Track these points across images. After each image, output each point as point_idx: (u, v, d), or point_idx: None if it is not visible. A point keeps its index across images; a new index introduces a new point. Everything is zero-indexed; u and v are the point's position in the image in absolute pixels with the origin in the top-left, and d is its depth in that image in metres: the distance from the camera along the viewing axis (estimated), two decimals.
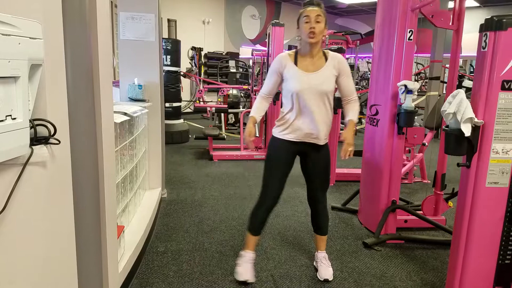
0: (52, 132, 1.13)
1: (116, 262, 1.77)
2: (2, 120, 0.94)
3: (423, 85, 9.34)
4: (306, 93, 1.94)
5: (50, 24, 1.15)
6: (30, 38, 1.02)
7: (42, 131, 1.11)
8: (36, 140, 1.09)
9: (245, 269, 2.08)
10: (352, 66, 8.67)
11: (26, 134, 1.03)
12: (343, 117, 7.64)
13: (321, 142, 2.02)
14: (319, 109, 1.96)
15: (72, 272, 1.34)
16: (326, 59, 1.99)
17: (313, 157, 2.05)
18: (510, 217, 1.74)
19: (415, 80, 9.92)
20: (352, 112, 2.04)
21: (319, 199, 2.12)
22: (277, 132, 2.05)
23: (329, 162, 2.12)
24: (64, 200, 1.27)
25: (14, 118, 0.98)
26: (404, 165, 3.77)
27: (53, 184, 1.19)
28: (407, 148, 4.23)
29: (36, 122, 1.09)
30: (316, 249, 2.27)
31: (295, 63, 1.97)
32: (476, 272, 1.78)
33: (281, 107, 2.09)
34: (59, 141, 1.15)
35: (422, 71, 9.50)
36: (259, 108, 2.08)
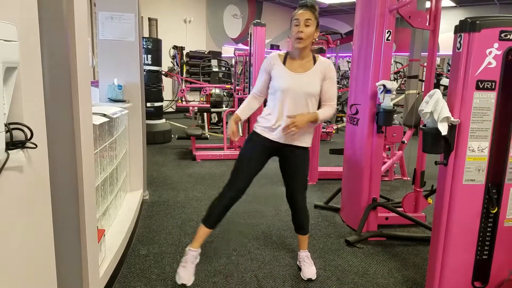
0: (29, 136, 1.10)
1: (97, 267, 1.74)
2: None
3: (402, 84, 9.55)
4: (291, 92, 1.95)
5: (26, 25, 1.11)
6: (4, 40, 0.98)
7: (18, 135, 1.08)
8: (12, 144, 1.06)
9: (187, 272, 2.03)
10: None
11: (1, 138, 1.00)
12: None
13: (301, 143, 2.03)
14: (302, 110, 1.97)
15: (51, 279, 1.30)
16: (314, 62, 2.00)
17: (292, 158, 2.05)
18: (486, 213, 1.80)
19: (394, 79, 10.14)
20: (322, 109, 2.02)
21: (298, 199, 2.12)
22: (258, 128, 2.06)
23: (308, 163, 2.13)
24: (42, 205, 1.23)
25: None
26: (384, 162, 3.85)
27: (30, 189, 1.16)
28: (387, 146, 4.33)
29: (11, 126, 1.06)
30: (299, 249, 2.29)
31: (284, 63, 2.00)
32: (455, 267, 1.83)
33: (265, 105, 2.10)
34: (36, 145, 1.12)
35: (401, 69, 9.72)
36: (246, 106, 2.10)
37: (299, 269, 2.23)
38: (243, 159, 2.06)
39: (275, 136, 2.01)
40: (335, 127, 6.97)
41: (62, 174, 1.33)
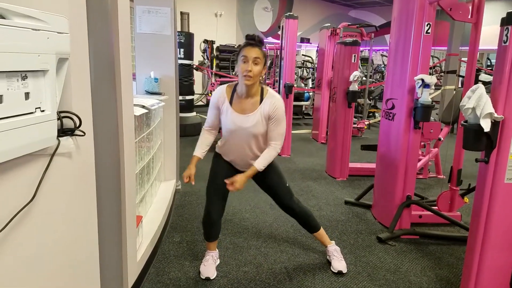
0: (78, 124, 1.16)
1: (135, 251, 1.82)
2: (32, 113, 0.98)
3: (438, 79, 9.18)
4: (237, 133, 1.94)
5: (75, 18, 1.17)
6: (57, 32, 1.04)
7: (67, 123, 1.14)
8: (62, 131, 1.13)
9: (209, 267, 2.10)
10: (366, 59, 8.58)
11: (54, 126, 1.06)
12: (356, 111, 7.54)
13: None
14: (252, 145, 1.97)
15: (94, 259, 1.38)
16: (261, 99, 1.91)
17: (260, 176, 2.02)
18: None
19: (430, 74, 9.75)
20: (261, 159, 1.94)
21: (291, 206, 2.12)
22: (219, 150, 2.10)
23: (278, 170, 2.11)
24: (88, 190, 1.31)
25: (43, 111, 1.02)
26: (419, 160, 3.74)
27: (77, 175, 1.23)
28: (422, 143, 4.19)
29: (62, 114, 1.12)
30: (324, 245, 2.29)
31: (230, 102, 1.93)
32: (492, 269, 1.77)
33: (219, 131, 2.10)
34: (84, 133, 1.18)
35: (438, 64, 9.33)
36: (203, 143, 2.08)
37: (329, 263, 2.23)
38: (213, 180, 2.10)
39: (235, 165, 2.07)
40: (366, 123, 6.82)
41: (106, 161, 1.40)
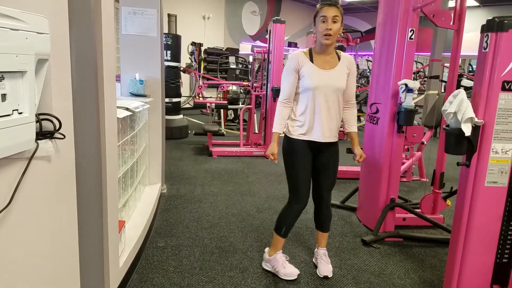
0: (57, 126, 1.13)
1: (117, 257, 1.78)
2: (9, 115, 0.95)
3: (422, 84, 9.36)
4: (323, 90, 1.95)
5: (56, 18, 1.15)
6: (37, 33, 1.02)
7: (47, 126, 1.11)
8: (41, 134, 1.10)
9: (289, 267, 2.14)
10: None
11: (32, 128, 1.04)
12: None
13: (334, 139, 2.05)
14: (333, 106, 1.99)
15: (74, 266, 1.35)
16: (339, 58, 2.01)
17: (325, 156, 2.05)
18: (508, 216, 1.76)
19: (414, 79, 9.92)
20: (354, 122, 2.13)
21: (324, 196, 2.13)
22: (294, 133, 2.02)
23: (338, 159, 2.13)
24: (68, 194, 1.28)
25: (21, 113, 0.99)
26: (403, 163, 3.79)
27: (57, 179, 1.20)
28: (406, 147, 4.26)
29: (41, 117, 1.09)
30: (317, 246, 2.29)
31: (311, 60, 1.98)
32: (474, 270, 1.80)
33: (295, 106, 2.04)
34: (64, 136, 1.15)
35: (421, 69, 9.52)
36: (283, 118, 2.02)
37: (315, 266, 2.23)
38: (298, 169, 2.03)
39: (313, 136, 2.00)
40: None
41: (87, 165, 1.37)
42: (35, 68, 1.03)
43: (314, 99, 1.96)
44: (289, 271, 2.11)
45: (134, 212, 2.55)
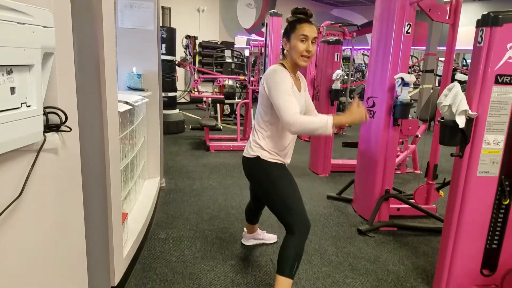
0: (63, 119, 1.16)
1: (121, 247, 1.82)
2: (18, 108, 0.97)
3: (416, 78, 9.43)
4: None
5: (59, 13, 1.17)
6: (43, 26, 1.04)
7: (53, 119, 1.14)
8: (48, 127, 1.12)
9: None
10: (348, 58, 8.72)
11: (40, 121, 1.06)
12: (338, 109, 7.58)
13: None
14: None
15: (81, 255, 1.38)
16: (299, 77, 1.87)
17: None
18: (498, 204, 1.83)
19: (409, 73, 9.99)
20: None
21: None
22: (274, 159, 1.80)
23: None
24: (74, 185, 1.30)
25: (29, 106, 1.01)
26: (397, 156, 3.85)
27: (64, 171, 1.23)
28: (400, 140, 4.32)
29: (48, 110, 1.12)
30: (251, 232, 2.40)
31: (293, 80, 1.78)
32: (465, 255, 1.87)
33: (260, 127, 1.80)
34: (70, 129, 1.18)
35: (416, 63, 9.58)
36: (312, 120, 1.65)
37: (263, 243, 2.45)
38: (290, 190, 1.79)
39: (287, 160, 1.88)
40: None
41: (91, 156, 1.40)
42: (41, 62, 1.05)
43: None
44: None
45: (135, 205, 2.59)
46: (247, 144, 1.89)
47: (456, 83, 1.75)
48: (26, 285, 1.07)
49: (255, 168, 1.83)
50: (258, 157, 1.79)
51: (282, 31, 1.83)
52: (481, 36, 1.69)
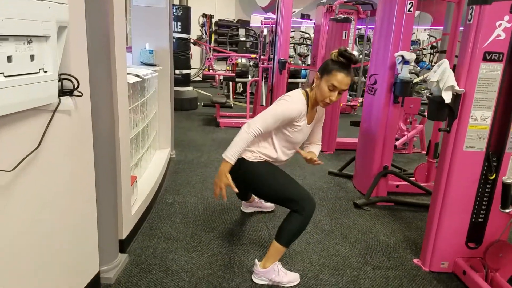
0: (76, 85, 1.32)
1: (130, 205, 2.02)
2: (36, 72, 1.14)
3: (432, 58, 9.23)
4: (300, 143, 1.93)
5: None
6: (58, 3, 1.19)
7: (67, 85, 1.30)
8: (62, 92, 1.29)
9: (292, 274, 1.87)
10: (362, 37, 8.60)
11: (55, 85, 1.22)
12: (351, 89, 7.52)
13: None
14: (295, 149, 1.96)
15: (92, 209, 1.57)
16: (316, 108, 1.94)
17: None
18: (485, 179, 1.91)
19: (430, 54, 9.80)
20: (317, 148, 2.05)
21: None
22: (262, 157, 1.88)
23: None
24: (86, 144, 1.48)
25: (46, 71, 1.17)
26: (404, 135, 3.91)
27: (76, 131, 1.40)
28: (408, 120, 4.35)
29: (62, 76, 1.28)
30: (249, 202, 2.56)
31: (306, 113, 1.83)
32: (450, 228, 1.97)
33: (264, 145, 1.87)
34: (82, 94, 1.34)
35: (434, 43, 9.35)
36: (243, 148, 1.75)
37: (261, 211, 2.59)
38: (281, 177, 1.86)
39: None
40: (360, 100, 6.94)
41: (102, 121, 1.57)
42: (56, 34, 1.20)
43: (292, 148, 1.92)
44: (292, 277, 1.85)
45: (146, 171, 2.79)
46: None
47: (445, 60, 1.82)
48: (41, 225, 1.26)
49: (240, 169, 1.84)
50: (242, 159, 1.83)
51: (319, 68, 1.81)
52: (470, 14, 1.74)
